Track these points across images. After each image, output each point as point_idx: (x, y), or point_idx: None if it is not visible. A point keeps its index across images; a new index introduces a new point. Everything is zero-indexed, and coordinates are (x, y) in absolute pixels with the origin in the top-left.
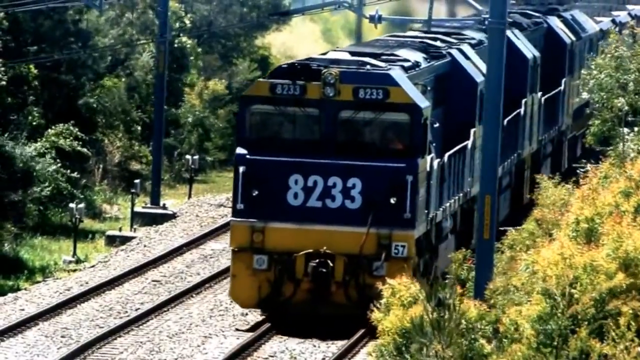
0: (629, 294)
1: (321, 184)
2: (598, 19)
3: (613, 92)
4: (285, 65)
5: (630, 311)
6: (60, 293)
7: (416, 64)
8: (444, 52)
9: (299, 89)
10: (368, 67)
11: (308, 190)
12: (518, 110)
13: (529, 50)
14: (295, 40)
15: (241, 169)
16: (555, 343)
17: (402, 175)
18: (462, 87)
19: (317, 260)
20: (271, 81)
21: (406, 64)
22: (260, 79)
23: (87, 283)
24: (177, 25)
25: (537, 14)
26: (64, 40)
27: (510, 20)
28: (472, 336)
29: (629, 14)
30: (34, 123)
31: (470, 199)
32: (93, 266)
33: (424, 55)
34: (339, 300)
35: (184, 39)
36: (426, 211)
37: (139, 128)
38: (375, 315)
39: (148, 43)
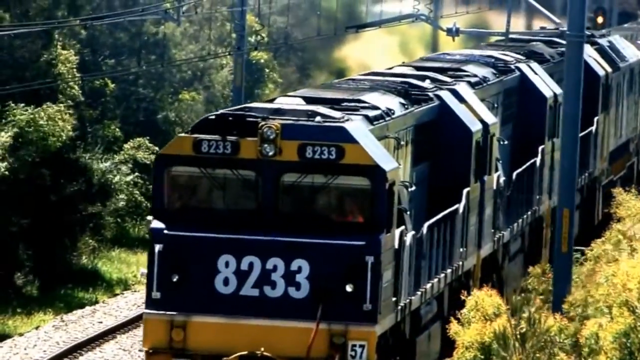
0: None
1: (258, 266)
2: None
3: None
4: (213, 116)
5: None
6: (138, 306)
7: (388, 112)
8: (430, 94)
9: (230, 147)
10: (319, 118)
11: (242, 275)
12: (532, 160)
13: (548, 87)
14: (372, 53)
15: (157, 247)
16: (636, 357)
17: (360, 256)
18: (454, 138)
19: None
20: (195, 136)
21: (372, 113)
22: (182, 134)
23: None
24: (253, 39)
25: (565, 42)
26: (141, 53)
27: (528, 50)
28: (552, 349)
29: None
30: (112, 137)
31: (464, 273)
32: None
33: (402, 100)
34: None
35: (258, 53)
36: (394, 299)
37: None
38: (454, 328)
39: (225, 56)
